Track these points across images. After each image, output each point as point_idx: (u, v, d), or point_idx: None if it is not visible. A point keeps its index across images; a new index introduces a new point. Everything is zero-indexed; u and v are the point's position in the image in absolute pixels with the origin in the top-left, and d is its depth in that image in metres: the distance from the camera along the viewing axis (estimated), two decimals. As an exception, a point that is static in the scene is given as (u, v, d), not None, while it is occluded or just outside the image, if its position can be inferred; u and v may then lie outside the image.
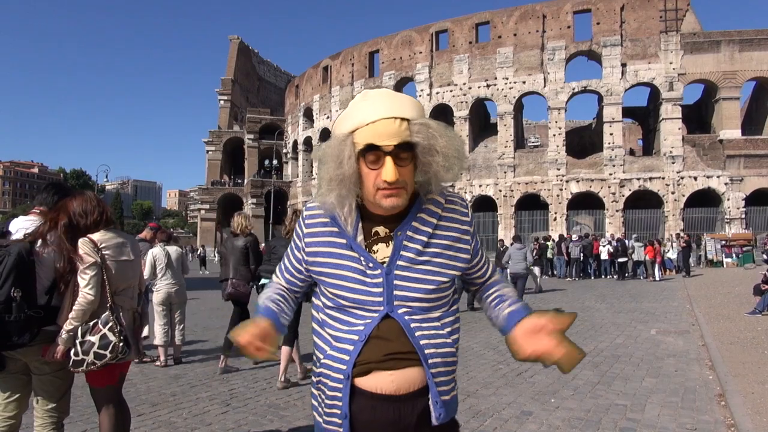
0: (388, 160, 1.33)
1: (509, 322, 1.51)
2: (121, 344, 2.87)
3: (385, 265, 1.43)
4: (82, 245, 2.89)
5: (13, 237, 2.89)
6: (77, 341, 2.81)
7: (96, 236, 2.96)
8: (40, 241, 2.86)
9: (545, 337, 1.41)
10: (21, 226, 2.99)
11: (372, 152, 1.34)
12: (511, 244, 13.34)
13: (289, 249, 1.62)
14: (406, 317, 1.41)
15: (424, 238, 1.45)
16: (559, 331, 1.41)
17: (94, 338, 2.83)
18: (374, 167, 1.36)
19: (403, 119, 1.36)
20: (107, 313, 2.92)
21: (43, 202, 3.16)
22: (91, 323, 2.86)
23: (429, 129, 1.38)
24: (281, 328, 1.54)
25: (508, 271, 12.37)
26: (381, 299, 1.41)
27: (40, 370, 2.94)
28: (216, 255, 42.91)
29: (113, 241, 3.02)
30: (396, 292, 1.42)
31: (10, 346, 2.71)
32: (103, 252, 2.94)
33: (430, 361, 1.41)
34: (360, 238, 1.45)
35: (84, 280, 2.86)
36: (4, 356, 2.80)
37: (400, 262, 1.43)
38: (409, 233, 1.45)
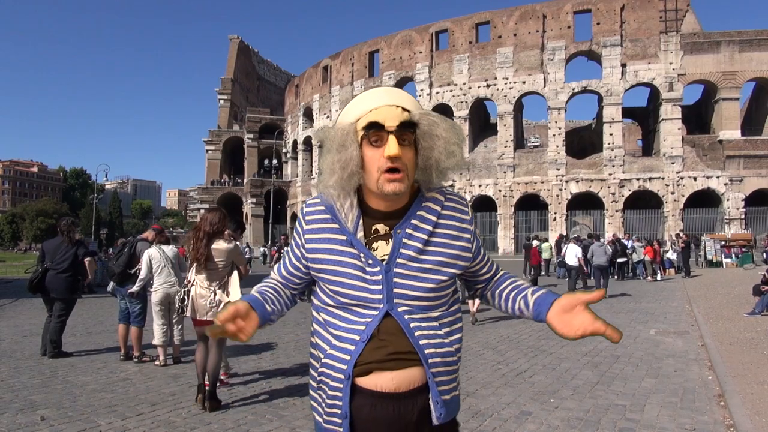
0: (392, 137, 1.36)
1: (542, 307, 1.49)
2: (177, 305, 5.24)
3: (384, 262, 1.43)
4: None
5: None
6: None
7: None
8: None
9: (581, 313, 1.40)
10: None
11: (375, 132, 1.38)
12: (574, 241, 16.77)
13: (289, 248, 1.62)
14: (406, 316, 1.41)
15: (424, 236, 1.45)
16: (588, 306, 1.41)
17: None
18: (377, 146, 1.39)
19: (404, 109, 1.41)
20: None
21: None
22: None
23: (429, 117, 1.44)
24: (263, 314, 1.49)
25: (593, 263, 14.94)
26: (381, 296, 1.41)
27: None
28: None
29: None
30: (396, 290, 1.42)
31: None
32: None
33: (430, 360, 1.41)
34: (360, 234, 1.45)
35: None
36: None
37: (399, 260, 1.43)
38: (409, 231, 1.45)
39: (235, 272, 4.97)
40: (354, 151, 1.39)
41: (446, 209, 1.51)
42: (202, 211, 57.69)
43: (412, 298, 1.42)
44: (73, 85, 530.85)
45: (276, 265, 1.67)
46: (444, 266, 1.46)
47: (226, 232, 5.34)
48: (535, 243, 19.86)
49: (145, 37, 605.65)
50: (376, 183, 1.39)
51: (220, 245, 4.81)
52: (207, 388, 4.66)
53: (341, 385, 1.41)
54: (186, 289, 4.88)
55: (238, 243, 5.62)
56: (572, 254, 14.90)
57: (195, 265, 4.81)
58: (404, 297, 1.42)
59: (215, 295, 4.73)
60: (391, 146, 1.35)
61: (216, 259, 4.79)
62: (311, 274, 1.54)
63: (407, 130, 1.39)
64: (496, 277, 1.67)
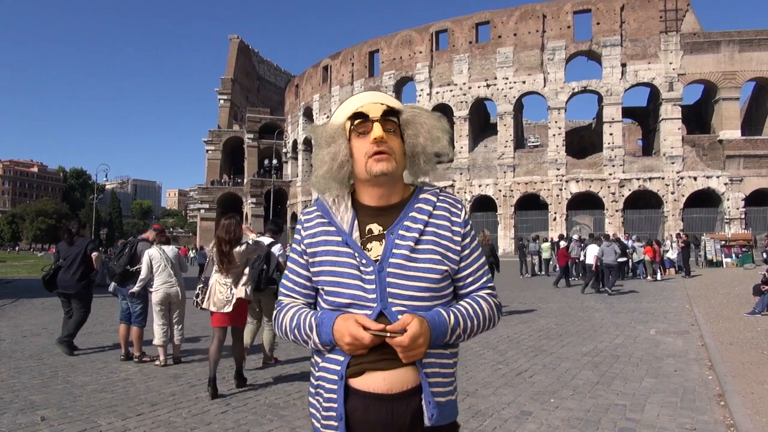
0: (376, 124, 1.45)
1: None
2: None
3: (377, 262, 1.44)
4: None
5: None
6: None
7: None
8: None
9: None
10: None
11: (361, 123, 1.46)
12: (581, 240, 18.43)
13: (291, 264, 1.59)
14: (400, 316, 1.41)
15: (416, 235, 1.47)
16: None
17: None
18: (363, 134, 1.47)
19: (388, 106, 1.50)
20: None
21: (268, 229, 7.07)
22: None
23: (412, 108, 1.55)
24: None
25: (603, 261, 15.44)
26: (375, 296, 1.42)
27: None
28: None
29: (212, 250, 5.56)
30: (389, 290, 1.42)
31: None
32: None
33: (424, 360, 1.40)
34: (356, 235, 1.48)
35: None
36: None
37: (392, 260, 1.44)
38: (401, 232, 1.47)
39: (246, 269, 5.65)
40: (343, 143, 1.48)
41: (438, 209, 1.52)
42: (202, 211, 58.00)
43: (405, 297, 1.43)
44: (73, 85, 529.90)
45: (284, 289, 1.59)
46: (436, 264, 1.46)
47: (266, 234, 6.88)
48: (562, 244, 20.17)
49: (145, 37, 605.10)
50: (365, 167, 1.45)
51: (236, 248, 5.52)
52: (235, 367, 5.54)
53: (335, 386, 1.42)
54: (202, 285, 5.50)
55: (279, 245, 6.76)
56: (592, 254, 15.74)
57: (217, 266, 5.45)
58: (398, 297, 1.43)
59: (231, 290, 5.42)
60: (376, 130, 1.44)
61: (235, 261, 5.50)
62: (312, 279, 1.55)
63: (391, 118, 1.47)
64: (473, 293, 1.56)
